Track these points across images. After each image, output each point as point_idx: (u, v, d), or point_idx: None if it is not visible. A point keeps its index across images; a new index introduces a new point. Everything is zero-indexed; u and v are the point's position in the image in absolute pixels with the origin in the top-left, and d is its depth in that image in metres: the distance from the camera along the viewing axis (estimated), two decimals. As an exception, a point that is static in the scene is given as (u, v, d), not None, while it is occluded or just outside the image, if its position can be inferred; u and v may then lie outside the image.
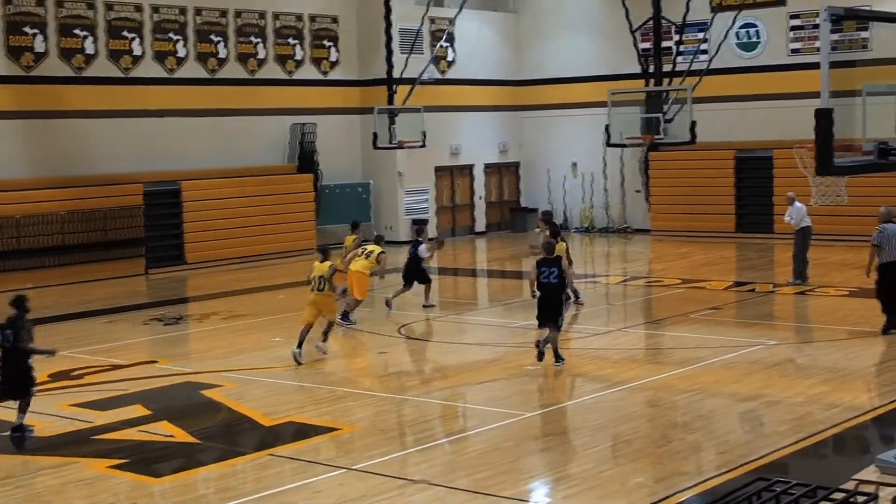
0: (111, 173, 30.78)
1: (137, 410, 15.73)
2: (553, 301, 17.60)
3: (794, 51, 35.00)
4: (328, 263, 18.84)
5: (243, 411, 15.62)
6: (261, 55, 34.84)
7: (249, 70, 34.57)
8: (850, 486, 8.42)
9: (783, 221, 26.00)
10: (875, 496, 8.10)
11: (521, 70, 40.85)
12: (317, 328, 18.73)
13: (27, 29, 29.77)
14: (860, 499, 7.94)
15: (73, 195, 29.69)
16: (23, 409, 14.71)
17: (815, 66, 11.11)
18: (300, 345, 18.26)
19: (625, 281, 28.06)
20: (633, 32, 32.04)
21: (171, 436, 14.49)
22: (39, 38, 29.98)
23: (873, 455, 12.11)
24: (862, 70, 27.87)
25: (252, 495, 11.96)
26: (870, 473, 11.35)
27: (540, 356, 17.38)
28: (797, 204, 25.03)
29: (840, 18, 10.95)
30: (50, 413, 15.62)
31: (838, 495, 7.93)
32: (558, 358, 17.39)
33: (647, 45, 34.05)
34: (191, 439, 14.38)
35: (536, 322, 17.90)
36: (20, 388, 14.74)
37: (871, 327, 19.48)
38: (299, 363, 18.10)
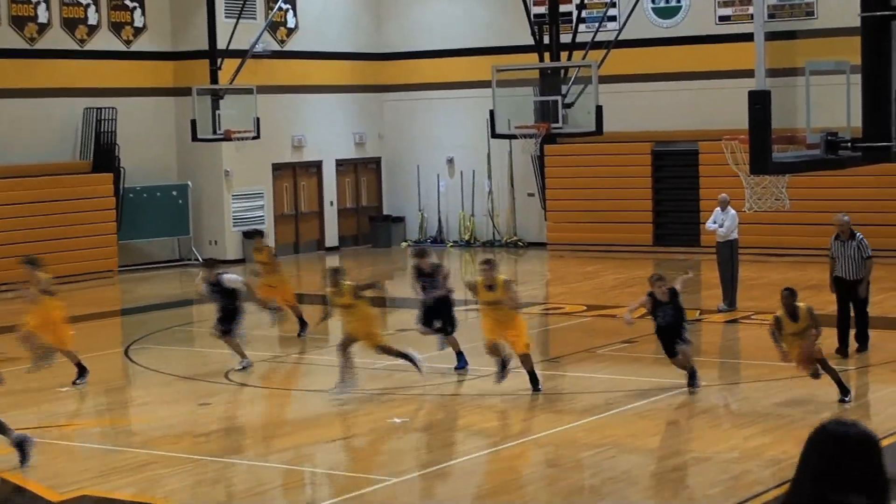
0: None
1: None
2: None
3: (724, 18, 35.50)
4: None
5: (24, 484, 15.46)
6: (43, 19, 34.46)
7: (28, 39, 34.18)
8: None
9: (707, 229, 26.45)
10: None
11: (381, 41, 40.95)
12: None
13: None
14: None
15: None
16: None
17: (748, 37, 11.40)
18: None
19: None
20: (523, -6, 32.37)
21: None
22: None
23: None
24: (806, 43, 28.47)
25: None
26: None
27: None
28: (731, 210, 25.30)
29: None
30: None
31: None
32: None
33: (542, 9, 34.42)
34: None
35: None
36: None
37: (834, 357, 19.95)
38: None
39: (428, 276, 20.69)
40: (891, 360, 20.85)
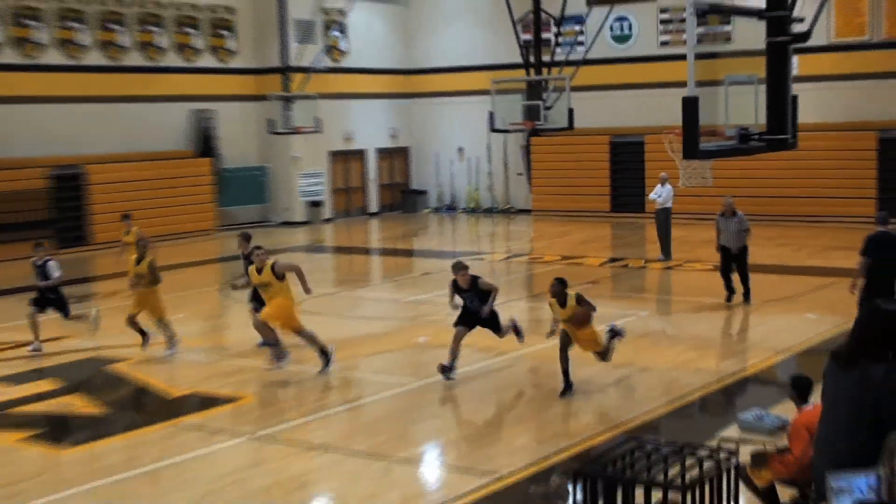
0: (15, 157, 30.26)
1: (46, 385, 15.59)
2: None
3: (664, 43, 35.46)
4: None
5: (149, 383, 15.56)
6: (160, 44, 34.43)
7: (149, 58, 34.15)
8: (714, 443, 8.67)
9: (649, 200, 26.43)
10: (735, 452, 8.35)
11: (410, 60, 40.89)
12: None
13: (-68, 18, 29.16)
14: (722, 455, 8.17)
15: (-24, 178, 29.24)
16: None
17: (683, 57, 11.34)
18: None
19: (508, 258, 28.31)
20: (514, 24, 32.29)
21: (79, 408, 14.38)
22: (-55, 26, 29.38)
23: (735, 415, 12.49)
24: (725, 61, 28.37)
25: (157, 463, 11.94)
26: (732, 432, 11.70)
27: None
28: (668, 185, 25.45)
29: (705, 13, 11.20)
30: (-39, 388, 15.43)
31: (703, 452, 8.15)
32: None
33: (528, 36, 34.38)
34: (99, 411, 14.29)
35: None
36: None
37: (733, 300, 19.94)
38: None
39: (466, 292, 15.03)
40: (767, 299, 20.84)
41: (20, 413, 14.24)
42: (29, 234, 29.58)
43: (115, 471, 11.78)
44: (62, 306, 18.36)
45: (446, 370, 14.93)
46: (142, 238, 19.70)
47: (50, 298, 18.14)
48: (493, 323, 15.23)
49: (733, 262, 19.97)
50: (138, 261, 17.43)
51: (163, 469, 11.71)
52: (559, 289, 14.10)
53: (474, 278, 14.94)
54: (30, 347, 17.69)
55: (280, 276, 15.69)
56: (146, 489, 11.17)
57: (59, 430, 13.58)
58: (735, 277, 20.03)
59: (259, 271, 15.74)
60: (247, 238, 17.82)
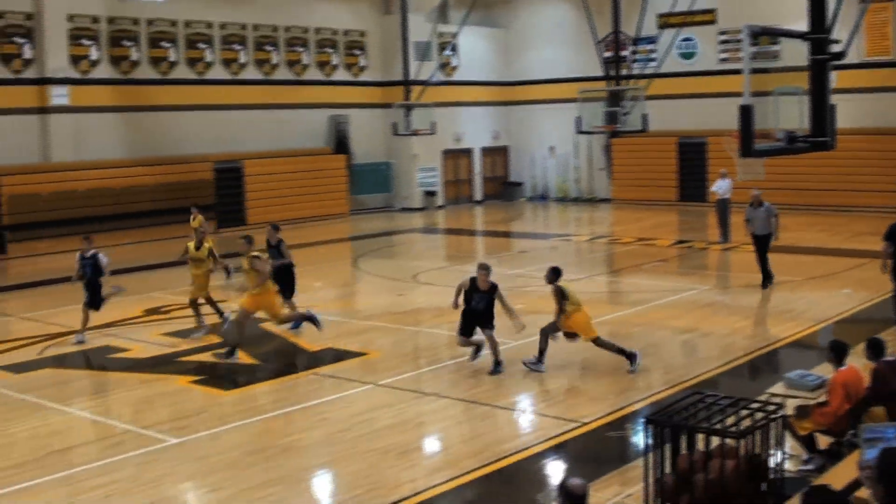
0: (189, 154, 30.89)
1: (211, 339, 15.89)
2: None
3: (723, 59, 34.91)
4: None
5: (292, 339, 15.77)
6: (305, 61, 34.76)
7: (296, 73, 34.51)
8: (763, 398, 8.55)
9: (711, 191, 26.00)
10: (782, 405, 8.24)
11: (510, 73, 40.69)
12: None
13: (125, 42, 29.77)
14: (770, 407, 8.06)
15: (159, 171, 29.84)
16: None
17: (739, 71, 11.15)
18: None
19: (591, 239, 28.13)
20: (597, 44, 31.95)
21: (237, 358, 14.64)
22: (134, 49, 29.98)
23: (781, 374, 12.28)
24: (774, 75, 27.66)
25: (299, 404, 12.13)
26: (778, 388, 11.51)
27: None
28: (727, 179, 25.08)
29: (757, 34, 11.02)
30: (143, 340, 15.80)
31: (754, 405, 8.05)
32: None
33: (609, 53, 33.99)
34: (252, 361, 14.54)
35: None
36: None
37: (781, 276, 19.56)
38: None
39: (480, 293, 13.20)
40: (810, 276, 20.42)
41: (190, 361, 14.55)
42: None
43: (265, 410, 12.00)
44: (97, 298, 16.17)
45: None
46: (202, 226, 19.44)
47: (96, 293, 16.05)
48: (486, 318, 13.28)
49: (762, 248, 19.06)
50: (197, 246, 16.54)
51: (304, 409, 11.89)
52: (553, 277, 13.13)
53: (493, 285, 13.23)
54: (74, 339, 15.84)
55: (260, 271, 14.53)
56: (290, 426, 11.35)
57: (221, 376, 13.85)
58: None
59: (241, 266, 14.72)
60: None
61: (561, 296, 13.16)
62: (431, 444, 10.91)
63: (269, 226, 17.24)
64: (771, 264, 19.14)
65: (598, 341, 13.28)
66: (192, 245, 16.55)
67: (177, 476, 9.76)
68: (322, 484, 9.69)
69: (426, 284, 21.03)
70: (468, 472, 9.53)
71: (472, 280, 13.31)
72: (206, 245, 16.57)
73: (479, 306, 13.24)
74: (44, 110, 27.93)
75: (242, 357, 14.53)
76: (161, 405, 12.28)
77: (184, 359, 14.66)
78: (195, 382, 13.34)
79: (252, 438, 10.82)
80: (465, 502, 9.18)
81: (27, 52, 27.74)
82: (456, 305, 13.44)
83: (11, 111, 27.37)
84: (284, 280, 16.22)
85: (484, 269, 13.28)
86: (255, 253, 15.01)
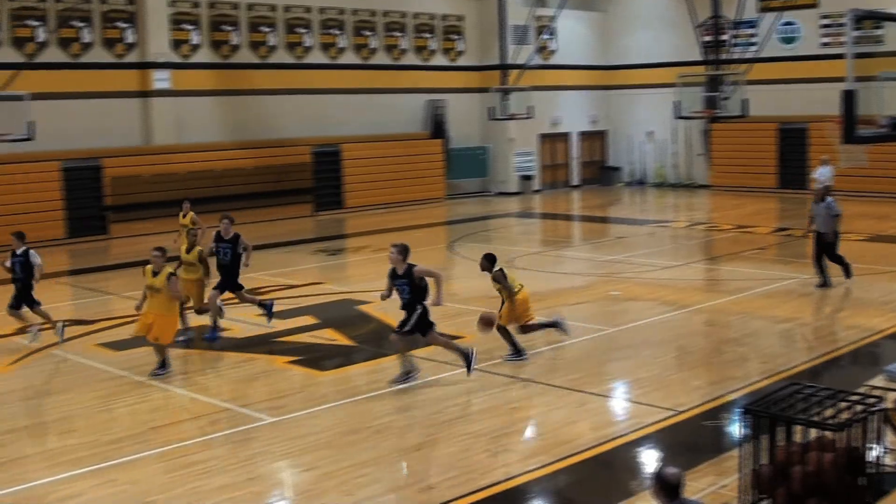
0: (287, 137, 31.32)
1: (308, 320, 16.13)
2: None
3: (825, 44, 34.08)
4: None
5: (388, 321, 15.90)
6: (402, 46, 34.94)
7: (393, 58, 34.70)
8: (863, 390, 8.38)
9: (812, 177, 25.47)
10: (881, 398, 8.06)
11: (608, 57, 40.33)
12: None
13: (225, 27, 30.31)
14: (870, 400, 7.90)
15: (258, 154, 30.31)
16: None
17: (841, 56, 10.92)
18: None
19: (689, 226, 27.77)
20: (696, 28, 31.51)
21: (333, 340, 14.85)
22: (234, 33, 30.52)
23: (882, 366, 11.99)
24: (878, 60, 26.96)
25: (394, 386, 12.23)
26: (878, 380, 11.25)
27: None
28: (829, 166, 24.55)
29: (860, 18, 10.77)
30: (240, 320, 16.10)
31: (853, 397, 7.90)
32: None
33: (708, 37, 33.54)
34: (348, 342, 14.72)
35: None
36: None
37: (883, 266, 19.09)
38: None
39: (401, 278, 12.42)
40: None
41: (288, 341, 14.80)
42: (295, 199, 30.82)
43: (360, 392, 12.15)
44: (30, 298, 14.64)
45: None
46: (196, 223, 18.41)
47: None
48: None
49: (825, 248, 17.77)
50: (188, 249, 14.96)
51: (398, 392, 11.99)
52: (489, 265, 13.00)
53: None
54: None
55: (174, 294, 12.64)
56: (384, 407, 11.47)
57: (318, 357, 14.05)
58: (831, 263, 17.82)
59: (154, 274, 12.64)
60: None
61: (504, 279, 13.07)
62: (525, 430, 10.93)
63: (224, 219, 15.00)
64: (847, 256, 18.03)
65: (529, 327, 13.20)
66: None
67: (272, 455, 9.95)
68: (415, 466, 9.79)
69: (522, 269, 21.01)
70: (562, 459, 9.53)
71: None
72: (198, 248, 14.94)
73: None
74: (146, 94, 28.60)
75: (338, 338, 14.71)
76: (258, 384, 12.52)
77: (281, 339, 14.91)
78: (293, 363, 13.57)
79: (347, 419, 10.97)
80: (559, 489, 9.19)
81: (129, 37, 28.42)
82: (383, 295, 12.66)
83: (114, 95, 28.08)
84: (230, 274, 14.84)
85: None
86: (171, 271, 12.80)
